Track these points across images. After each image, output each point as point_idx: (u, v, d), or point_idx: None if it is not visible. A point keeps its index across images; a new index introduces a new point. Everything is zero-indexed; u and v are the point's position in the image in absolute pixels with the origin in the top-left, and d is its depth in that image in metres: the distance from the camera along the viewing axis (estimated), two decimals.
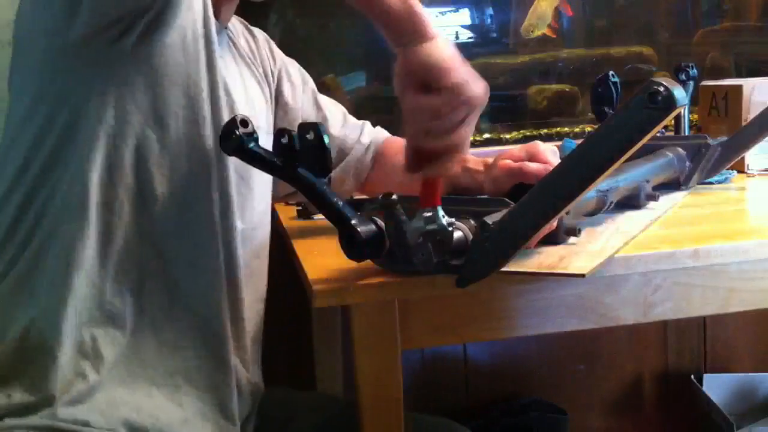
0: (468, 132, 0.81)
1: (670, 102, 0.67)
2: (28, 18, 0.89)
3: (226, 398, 0.91)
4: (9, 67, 0.91)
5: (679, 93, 0.67)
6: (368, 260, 0.84)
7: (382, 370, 0.88)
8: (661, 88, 0.67)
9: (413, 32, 0.79)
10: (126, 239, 0.87)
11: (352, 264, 0.85)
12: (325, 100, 1.22)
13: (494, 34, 1.97)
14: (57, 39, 0.83)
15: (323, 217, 0.82)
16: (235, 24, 1.11)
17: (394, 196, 0.80)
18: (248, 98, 1.03)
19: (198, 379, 0.90)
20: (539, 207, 0.75)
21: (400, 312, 0.88)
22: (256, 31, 1.15)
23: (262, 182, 1.02)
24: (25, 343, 0.85)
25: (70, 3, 0.80)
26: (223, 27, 1.01)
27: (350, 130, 1.21)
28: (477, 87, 0.80)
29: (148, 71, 0.84)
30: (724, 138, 1.27)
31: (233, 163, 0.92)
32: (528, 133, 1.84)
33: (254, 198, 1.00)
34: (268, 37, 1.17)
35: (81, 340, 0.85)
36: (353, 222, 0.80)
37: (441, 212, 0.81)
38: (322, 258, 0.96)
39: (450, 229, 0.80)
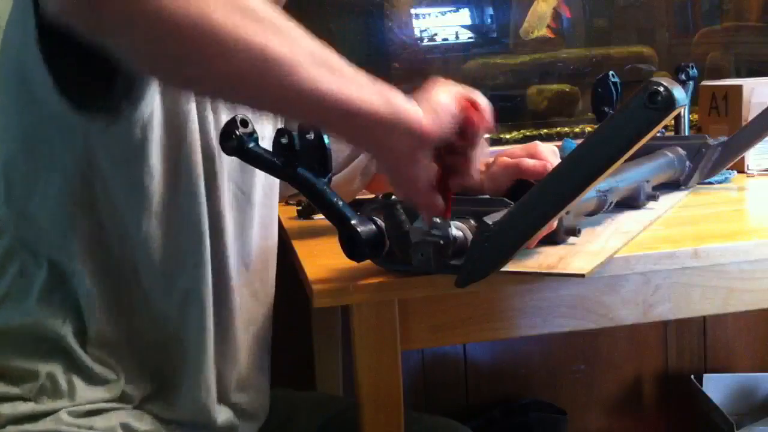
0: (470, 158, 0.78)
1: (670, 102, 0.67)
2: (7, 26, 0.85)
3: (225, 403, 0.93)
4: None
5: (679, 93, 0.67)
6: (368, 260, 0.85)
7: (382, 370, 0.88)
8: (661, 88, 0.67)
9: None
10: (122, 241, 0.86)
11: (352, 264, 0.85)
12: None
13: (494, 34, 1.97)
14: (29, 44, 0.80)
15: (323, 217, 0.82)
16: None
17: (394, 196, 0.80)
18: None
19: (186, 420, 0.91)
20: (539, 207, 0.75)
21: (400, 312, 0.88)
22: None
23: (264, 177, 1.01)
24: (29, 350, 0.85)
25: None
26: None
27: None
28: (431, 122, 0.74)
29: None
30: (724, 138, 1.27)
31: (234, 181, 0.91)
32: (528, 133, 1.84)
33: (260, 194, 0.99)
34: None
35: (83, 345, 0.85)
36: (353, 222, 0.80)
37: (449, 224, 0.81)
38: (322, 258, 0.96)
39: (455, 234, 0.80)
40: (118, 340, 0.86)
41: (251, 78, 0.63)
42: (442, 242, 0.80)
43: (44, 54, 0.72)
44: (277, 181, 1.03)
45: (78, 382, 0.85)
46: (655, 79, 0.68)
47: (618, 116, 0.70)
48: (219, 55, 0.61)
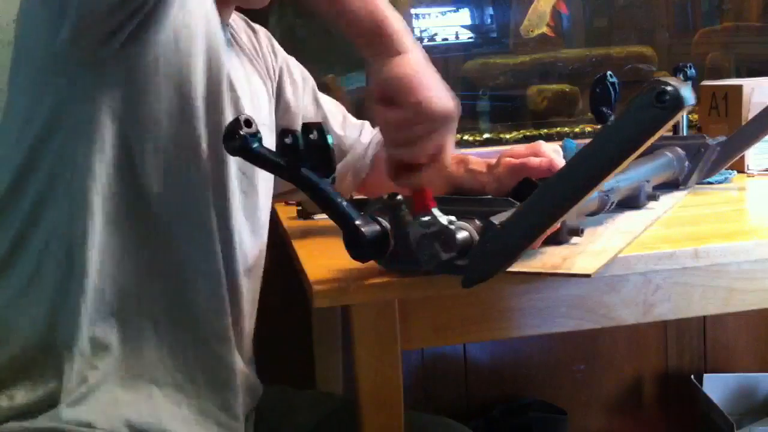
0: (441, 145, 0.81)
1: (677, 102, 0.67)
2: (24, 19, 0.89)
3: (229, 396, 0.92)
4: (10, 67, 0.91)
5: (687, 92, 0.67)
6: (371, 260, 0.84)
7: (382, 370, 0.88)
8: (669, 88, 0.67)
9: (381, 46, 0.80)
10: (124, 243, 0.86)
11: (352, 264, 0.85)
12: (325, 99, 1.22)
13: (494, 34, 1.97)
14: (49, 40, 0.83)
15: (323, 217, 0.82)
16: (236, 20, 1.11)
17: (399, 197, 0.80)
18: (252, 94, 1.03)
19: (200, 378, 0.90)
20: (546, 207, 0.75)
21: (400, 312, 0.88)
22: (257, 27, 1.15)
23: (265, 179, 1.02)
24: (27, 346, 0.85)
25: (60, 3, 0.80)
26: (225, 24, 1.01)
27: (350, 130, 1.21)
28: (442, 103, 0.79)
29: (138, 71, 0.84)
30: (723, 138, 1.27)
31: (236, 161, 0.92)
32: (528, 133, 1.84)
33: (258, 195, 0.99)
34: (269, 34, 1.17)
35: (82, 342, 0.85)
36: (357, 222, 0.80)
37: (437, 213, 0.81)
38: (322, 258, 0.96)
39: (451, 226, 0.80)
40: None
41: None
42: (443, 237, 0.80)
43: None
44: (267, 182, 1.03)
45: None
46: (663, 78, 0.68)
47: (625, 116, 0.70)
48: None
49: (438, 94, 0.79)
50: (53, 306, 0.85)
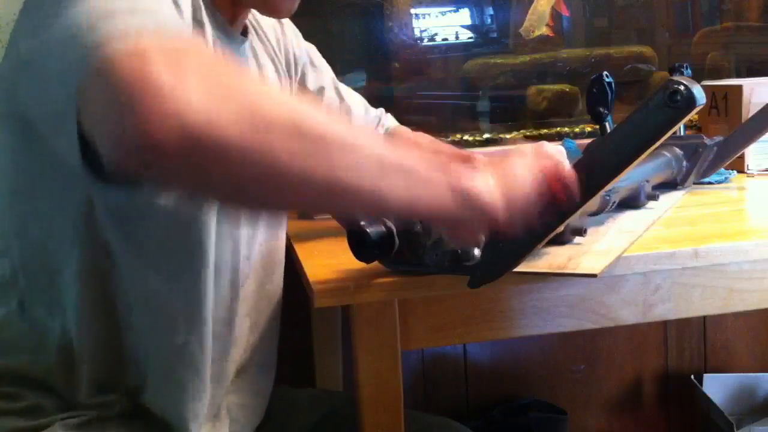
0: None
1: (690, 101, 0.67)
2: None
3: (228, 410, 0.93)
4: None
5: (699, 92, 0.68)
6: (375, 261, 0.84)
7: (382, 370, 0.88)
8: (681, 87, 0.67)
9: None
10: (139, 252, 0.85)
11: (353, 264, 0.85)
12: (345, 89, 1.23)
13: (494, 34, 1.97)
14: None
15: (323, 217, 0.81)
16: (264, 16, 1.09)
17: None
18: None
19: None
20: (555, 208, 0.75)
21: (400, 312, 0.88)
22: (285, 20, 1.13)
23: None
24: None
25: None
26: (238, 34, 0.98)
27: (370, 120, 1.22)
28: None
29: None
30: (720, 138, 1.27)
31: None
32: (528, 133, 1.84)
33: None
34: (295, 27, 1.16)
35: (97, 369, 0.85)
36: (362, 223, 0.80)
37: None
38: (322, 258, 0.96)
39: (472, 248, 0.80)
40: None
41: (319, 205, 0.63)
42: (459, 251, 0.80)
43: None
44: None
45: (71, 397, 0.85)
46: (675, 78, 0.68)
47: (637, 115, 0.70)
48: (280, 191, 0.59)
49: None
50: (59, 335, 0.84)
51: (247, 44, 0.99)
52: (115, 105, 0.55)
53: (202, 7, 0.87)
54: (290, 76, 1.12)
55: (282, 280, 1.03)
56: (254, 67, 1.01)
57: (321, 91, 1.17)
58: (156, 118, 0.53)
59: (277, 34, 1.11)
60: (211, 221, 0.86)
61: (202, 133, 0.53)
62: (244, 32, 0.99)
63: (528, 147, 0.74)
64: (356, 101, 1.22)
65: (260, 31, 1.06)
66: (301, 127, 0.57)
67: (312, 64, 1.17)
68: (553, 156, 0.73)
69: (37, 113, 0.72)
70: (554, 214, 0.73)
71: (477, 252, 0.80)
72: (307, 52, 1.17)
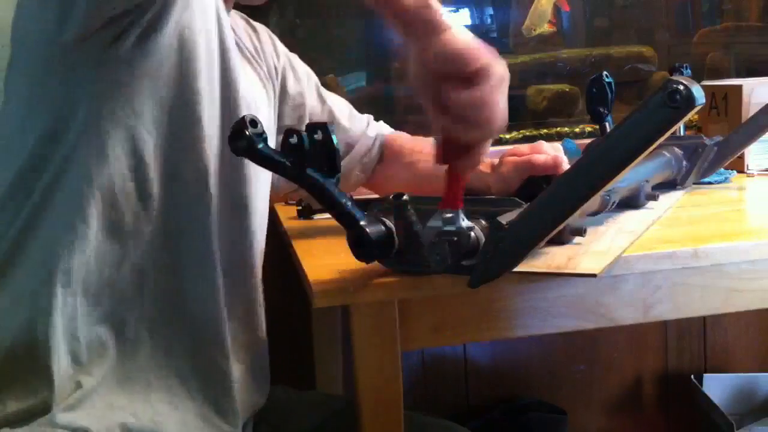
0: (493, 116, 0.77)
1: (689, 101, 0.67)
2: (23, 21, 0.87)
3: (224, 402, 0.91)
4: (6, 70, 0.90)
5: (698, 92, 0.68)
6: (375, 261, 0.84)
7: (382, 370, 0.88)
8: (681, 87, 0.67)
9: (430, 22, 0.77)
10: (122, 248, 0.86)
11: (353, 264, 0.85)
12: (329, 94, 1.22)
13: (494, 34, 1.97)
14: (50, 42, 0.82)
15: (323, 216, 0.81)
16: (237, 21, 1.10)
17: (405, 197, 0.80)
18: (251, 99, 1.02)
19: (194, 383, 0.90)
20: (556, 206, 0.75)
21: (400, 312, 0.88)
22: (258, 26, 1.14)
23: (265, 182, 1.01)
24: (17, 351, 0.84)
25: (63, 4, 0.79)
26: None
27: (356, 124, 1.21)
28: (500, 65, 0.77)
29: (142, 73, 0.83)
30: (720, 138, 1.27)
31: (237, 164, 0.91)
32: (528, 133, 1.84)
33: (258, 199, 0.99)
34: (270, 32, 1.16)
35: (75, 346, 0.84)
36: (362, 223, 0.80)
37: (462, 215, 0.81)
38: (322, 258, 0.96)
39: (470, 233, 0.80)
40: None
41: None
42: (456, 238, 0.80)
43: None
44: (267, 186, 1.03)
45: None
46: (675, 77, 0.68)
47: (637, 115, 0.70)
48: None
49: (494, 58, 0.77)
50: (42, 311, 0.84)
51: None
52: None
53: None
54: (272, 82, 1.12)
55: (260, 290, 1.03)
56: (242, 74, 1.01)
57: (302, 95, 1.17)
58: None
59: (253, 40, 1.10)
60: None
61: None
62: None
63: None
64: (340, 106, 1.22)
65: (238, 40, 1.05)
66: None
67: (292, 68, 1.17)
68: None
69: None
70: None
71: (473, 235, 0.80)
72: (287, 56, 1.17)
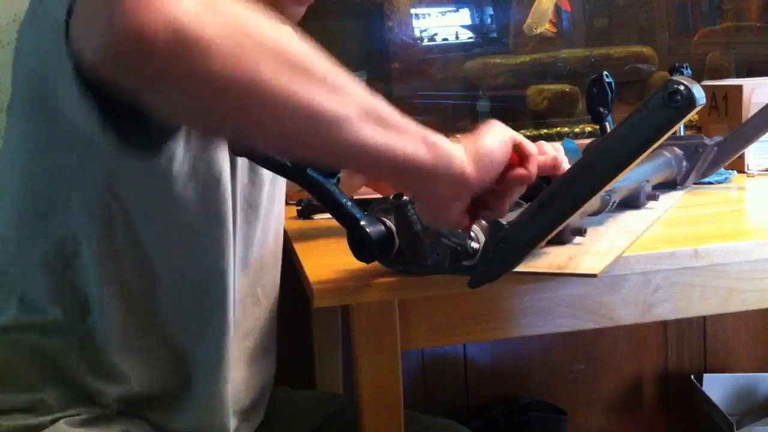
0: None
1: (689, 101, 0.67)
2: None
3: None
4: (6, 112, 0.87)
5: (699, 92, 0.68)
6: (375, 261, 0.84)
7: (382, 370, 0.88)
8: (681, 87, 0.67)
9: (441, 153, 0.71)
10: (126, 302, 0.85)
11: (353, 264, 0.85)
12: None
13: (494, 34, 1.97)
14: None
15: (323, 216, 0.81)
16: None
17: (405, 197, 0.80)
18: None
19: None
20: (556, 206, 0.75)
21: (400, 312, 0.88)
22: None
23: (272, 214, 1.00)
24: None
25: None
26: None
27: None
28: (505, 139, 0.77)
29: None
30: (720, 138, 1.27)
31: (244, 196, 0.91)
32: (528, 133, 1.84)
33: (260, 230, 0.98)
34: None
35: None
36: (362, 223, 0.80)
37: (468, 236, 0.81)
38: (322, 258, 0.96)
39: (470, 242, 0.80)
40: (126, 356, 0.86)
41: (299, 136, 0.61)
42: (459, 248, 0.80)
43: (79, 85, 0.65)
44: (282, 190, 1.03)
45: (78, 395, 0.85)
46: (675, 78, 0.68)
47: (637, 115, 0.70)
48: (266, 115, 0.58)
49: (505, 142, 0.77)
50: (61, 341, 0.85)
51: None
52: (104, 3, 0.54)
53: None
54: None
55: (277, 287, 1.03)
56: None
57: None
58: (146, 14, 0.52)
59: None
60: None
61: (189, 33, 0.53)
62: None
63: (497, 122, 0.78)
64: None
65: None
66: (288, 53, 0.58)
67: None
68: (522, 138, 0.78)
69: (44, 71, 0.72)
70: (510, 185, 0.77)
71: (475, 245, 0.80)
72: None
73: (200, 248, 0.85)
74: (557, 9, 1.86)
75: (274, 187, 0.99)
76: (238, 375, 0.95)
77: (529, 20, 1.83)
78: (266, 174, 0.96)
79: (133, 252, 0.83)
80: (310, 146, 0.62)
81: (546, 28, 1.84)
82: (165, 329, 0.86)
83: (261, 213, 0.96)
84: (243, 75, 0.55)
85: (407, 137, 0.66)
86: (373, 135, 0.63)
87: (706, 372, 1.83)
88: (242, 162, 0.90)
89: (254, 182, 0.93)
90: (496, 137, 0.75)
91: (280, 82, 0.57)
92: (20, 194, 0.83)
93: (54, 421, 0.83)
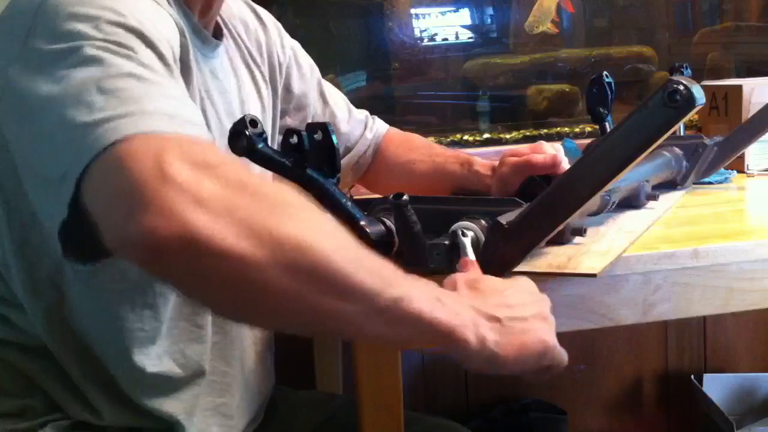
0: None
1: (689, 101, 0.67)
2: None
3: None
4: None
5: (698, 92, 0.68)
6: None
7: (382, 370, 0.88)
8: (681, 87, 0.67)
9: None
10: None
11: None
12: (331, 92, 1.21)
13: (494, 34, 1.97)
14: None
15: None
16: (244, 11, 1.07)
17: (405, 197, 0.80)
18: (242, 110, 0.99)
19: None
20: (556, 206, 0.75)
21: None
22: (265, 15, 1.11)
23: None
24: None
25: None
26: (211, 36, 0.94)
27: (355, 125, 1.20)
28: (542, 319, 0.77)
29: None
30: (720, 138, 1.27)
31: None
32: (528, 133, 1.84)
33: None
34: (277, 23, 1.13)
35: None
36: (362, 223, 0.80)
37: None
38: None
39: (470, 233, 0.80)
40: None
41: (305, 328, 0.63)
42: (456, 238, 0.80)
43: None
44: None
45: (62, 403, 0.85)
46: (675, 78, 0.68)
47: (637, 115, 0.70)
48: (272, 315, 0.59)
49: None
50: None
51: (221, 48, 0.96)
52: (124, 198, 0.55)
53: (176, 9, 0.85)
54: (274, 82, 1.09)
55: None
56: (229, 73, 0.98)
57: (306, 95, 1.15)
58: (162, 220, 0.53)
59: (258, 36, 1.07)
60: None
61: (201, 243, 0.53)
62: (218, 35, 0.96)
63: (529, 290, 0.74)
64: (340, 105, 1.20)
65: (237, 38, 1.03)
66: (302, 263, 0.56)
67: (297, 64, 1.14)
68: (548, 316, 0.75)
69: (21, 159, 0.71)
70: None
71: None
72: (292, 50, 1.14)
73: None
74: (558, 8, 1.85)
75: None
76: (238, 376, 0.94)
77: (530, 19, 1.83)
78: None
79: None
80: (315, 333, 0.62)
81: (548, 27, 1.84)
82: None
83: None
84: (252, 283, 0.55)
85: (432, 333, 0.63)
86: (383, 331, 0.61)
87: (706, 372, 1.83)
88: None
89: None
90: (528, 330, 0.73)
91: (290, 287, 0.56)
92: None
93: (42, 425, 0.83)
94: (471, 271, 0.75)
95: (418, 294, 0.62)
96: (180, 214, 0.53)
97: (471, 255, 0.78)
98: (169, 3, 0.83)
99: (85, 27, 0.67)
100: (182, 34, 0.81)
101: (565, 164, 1.03)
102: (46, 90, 0.65)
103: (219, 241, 0.53)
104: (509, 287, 0.71)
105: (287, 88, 1.13)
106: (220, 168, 0.56)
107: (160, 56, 0.70)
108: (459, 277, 0.72)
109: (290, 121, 1.13)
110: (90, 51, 0.65)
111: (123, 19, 0.69)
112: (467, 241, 0.78)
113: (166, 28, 0.76)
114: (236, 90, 0.98)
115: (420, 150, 1.18)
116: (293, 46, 1.15)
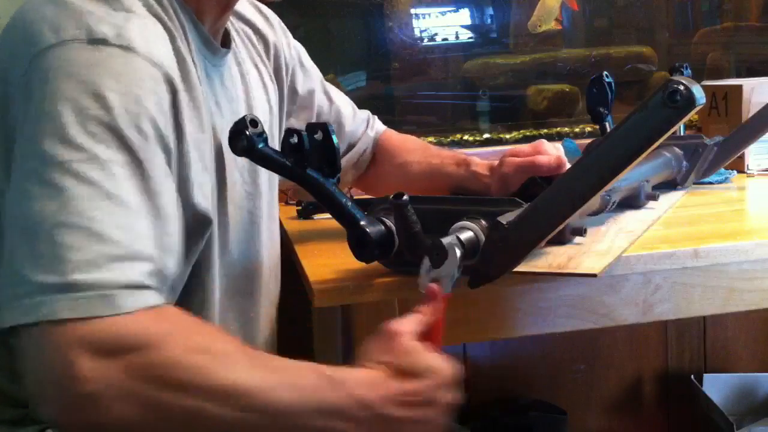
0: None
1: (689, 101, 0.67)
2: None
3: None
4: None
5: (698, 92, 0.68)
6: (374, 261, 0.84)
7: None
8: (681, 87, 0.67)
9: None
10: None
11: (353, 264, 0.85)
12: (334, 92, 1.22)
13: (494, 34, 1.97)
14: None
15: (323, 216, 0.81)
16: (250, 11, 1.07)
17: (405, 197, 0.80)
18: (249, 111, 0.99)
19: None
20: (557, 206, 0.75)
21: (400, 312, 0.87)
22: (271, 15, 1.11)
23: (271, 219, 1.01)
24: None
25: None
26: (219, 45, 0.94)
27: (359, 123, 1.21)
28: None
29: None
30: (720, 138, 1.27)
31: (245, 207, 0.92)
32: (528, 133, 1.84)
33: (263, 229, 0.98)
34: (282, 23, 1.14)
35: None
36: (362, 223, 0.80)
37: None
38: (322, 258, 0.96)
39: (470, 233, 0.80)
40: None
41: None
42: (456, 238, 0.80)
43: None
44: (276, 191, 1.03)
45: None
46: (675, 77, 0.68)
47: (637, 115, 0.70)
48: None
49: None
50: None
51: (229, 55, 0.96)
52: (39, 384, 0.65)
53: (186, 24, 0.85)
54: (280, 82, 1.09)
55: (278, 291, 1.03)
56: (237, 79, 0.98)
57: (311, 93, 1.15)
58: (63, 417, 0.64)
59: (266, 36, 1.07)
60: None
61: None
62: (226, 43, 0.96)
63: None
64: (344, 103, 1.21)
65: (245, 37, 1.03)
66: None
67: (301, 64, 1.15)
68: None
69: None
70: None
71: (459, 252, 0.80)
72: (297, 51, 1.15)
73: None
74: (562, 8, 1.85)
75: (272, 191, 0.99)
76: None
77: (533, 18, 1.82)
78: (263, 183, 0.96)
79: None
80: None
81: (551, 26, 1.83)
82: None
83: (260, 221, 0.96)
84: None
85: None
86: None
87: (706, 372, 1.83)
88: (241, 176, 0.90)
89: (253, 194, 0.94)
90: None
91: None
92: None
93: (42, 431, 0.83)
94: (424, 317, 0.75)
95: None
96: (78, 412, 0.63)
97: (450, 278, 0.77)
98: (177, 17, 0.83)
99: (67, 119, 0.69)
100: (187, 54, 0.82)
101: (568, 165, 1.03)
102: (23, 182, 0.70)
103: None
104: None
105: (292, 88, 1.13)
106: (129, 354, 0.63)
107: (136, 149, 0.71)
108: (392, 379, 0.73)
109: (295, 122, 1.14)
110: (56, 173, 0.68)
111: (107, 117, 0.70)
112: (449, 266, 0.78)
113: (165, 56, 0.77)
114: (244, 96, 0.98)
115: (416, 152, 1.19)
116: (296, 45, 1.16)
